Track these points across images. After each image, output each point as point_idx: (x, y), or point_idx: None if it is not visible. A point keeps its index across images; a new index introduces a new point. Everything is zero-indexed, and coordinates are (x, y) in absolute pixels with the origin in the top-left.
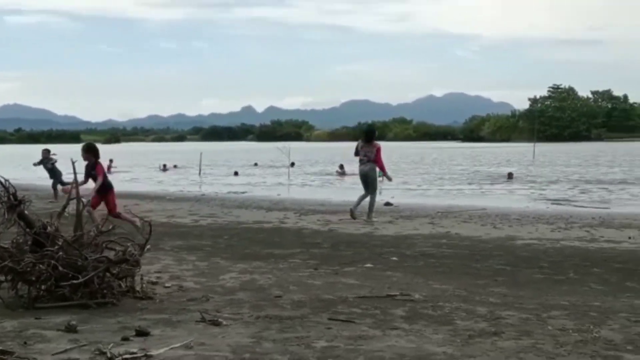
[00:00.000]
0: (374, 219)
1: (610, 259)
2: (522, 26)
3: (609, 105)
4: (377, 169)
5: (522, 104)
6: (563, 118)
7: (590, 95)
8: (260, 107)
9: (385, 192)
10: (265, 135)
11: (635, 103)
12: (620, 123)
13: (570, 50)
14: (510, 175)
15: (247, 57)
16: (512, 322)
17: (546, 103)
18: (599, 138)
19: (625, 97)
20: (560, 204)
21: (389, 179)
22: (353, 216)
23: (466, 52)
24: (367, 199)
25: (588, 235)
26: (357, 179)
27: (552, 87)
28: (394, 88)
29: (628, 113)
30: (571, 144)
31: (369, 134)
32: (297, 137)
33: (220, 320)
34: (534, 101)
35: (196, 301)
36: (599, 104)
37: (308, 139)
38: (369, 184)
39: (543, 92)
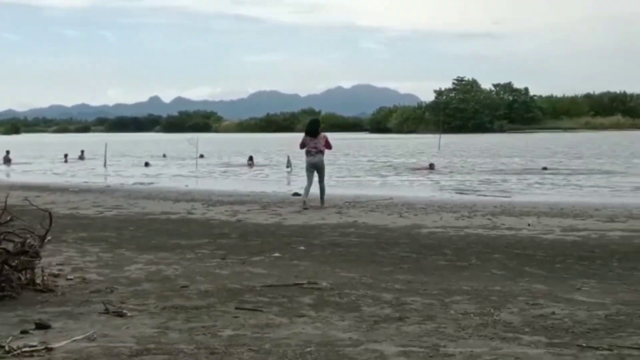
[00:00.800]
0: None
1: (511, 245)
2: (429, 19)
3: (511, 98)
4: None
5: (428, 96)
6: (467, 110)
7: (492, 88)
8: (167, 98)
9: (294, 183)
10: (172, 126)
11: (535, 96)
12: (521, 115)
13: (474, 43)
14: (431, 166)
15: (154, 47)
16: (417, 308)
17: (451, 95)
18: (501, 129)
19: (526, 89)
20: (465, 194)
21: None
22: (305, 206)
23: (374, 44)
24: (319, 188)
25: (490, 223)
26: (264, 170)
27: (457, 80)
28: (302, 79)
29: (528, 105)
30: (475, 135)
31: (314, 129)
32: (206, 128)
33: (124, 311)
34: (439, 93)
35: (100, 293)
36: (501, 96)
37: (217, 130)
38: (320, 173)
39: (448, 84)
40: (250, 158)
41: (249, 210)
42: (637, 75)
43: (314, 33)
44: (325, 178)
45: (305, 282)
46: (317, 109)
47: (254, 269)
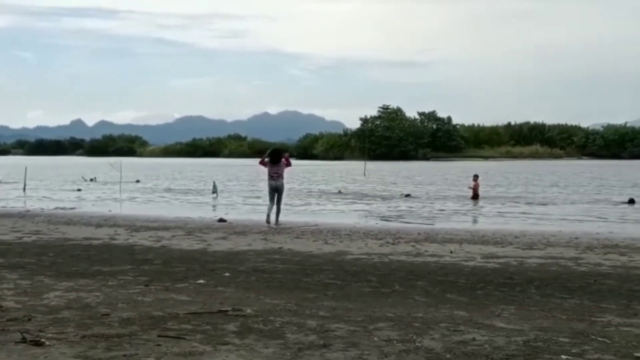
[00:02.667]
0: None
1: (434, 272)
2: (355, 47)
3: (434, 126)
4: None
5: (354, 123)
6: (392, 137)
7: (417, 116)
8: (91, 121)
9: (220, 209)
10: (96, 150)
11: (458, 124)
12: (444, 143)
13: (399, 72)
14: (406, 195)
15: (77, 69)
16: (341, 335)
17: (376, 122)
18: (425, 157)
19: (449, 118)
20: (389, 221)
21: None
22: (268, 220)
23: (300, 70)
24: (276, 208)
25: (414, 250)
26: (191, 197)
27: (382, 107)
28: (229, 104)
29: (451, 134)
30: (399, 162)
31: (275, 157)
32: (130, 152)
33: (42, 340)
34: (364, 120)
35: (17, 321)
36: (425, 124)
37: (142, 155)
38: (280, 196)
39: (373, 111)
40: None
41: (173, 236)
42: (555, 107)
43: (240, 58)
44: (282, 201)
45: (229, 309)
46: (243, 135)
47: (178, 295)
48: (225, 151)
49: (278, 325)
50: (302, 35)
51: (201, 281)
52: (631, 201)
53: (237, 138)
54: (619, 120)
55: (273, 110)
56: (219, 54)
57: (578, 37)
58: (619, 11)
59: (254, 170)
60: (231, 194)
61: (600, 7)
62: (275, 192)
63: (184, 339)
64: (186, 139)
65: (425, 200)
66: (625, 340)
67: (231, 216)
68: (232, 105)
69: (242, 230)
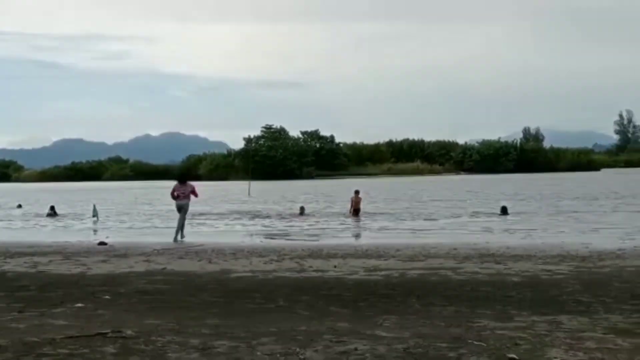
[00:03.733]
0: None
1: (317, 286)
2: (236, 68)
3: (317, 145)
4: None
5: (238, 144)
6: (276, 157)
7: (300, 135)
8: None
9: (101, 232)
10: None
11: (340, 143)
12: (328, 162)
13: (281, 92)
14: (302, 210)
15: None
16: (223, 351)
17: (260, 142)
18: (309, 176)
19: (332, 137)
20: (274, 238)
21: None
22: (176, 239)
23: (182, 92)
24: (180, 224)
25: (298, 266)
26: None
27: (265, 127)
28: (109, 127)
29: (335, 152)
30: (284, 181)
31: (182, 178)
32: (5, 177)
33: None
34: (248, 140)
35: None
36: (309, 143)
37: (17, 179)
38: (184, 214)
39: (257, 131)
40: (52, 208)
41: (50, 261)
42: (432, 124)
43: (120, 80)
44: (185, 219)
45: (109, 331)
46: (125, 157)
47: (55, 320)
48: (107, 174)
49: (160, 345)
50: (182, 57)
51: (79, 305)
52: (504, 211)
53: (119, 161)
54: (493, 135)
55: (155, 132)
56: (97, 76)
57: (453, 56)
58: (492, 31)
59: (134, 193)
60: (112, 217)
61: (474, 28)
62: (180, 209)
63: None
64: (65, 162)
65: (311, 216)
66: (499, 342)
67: (112, 239)
68: (113, 127)
69: (123, 252)
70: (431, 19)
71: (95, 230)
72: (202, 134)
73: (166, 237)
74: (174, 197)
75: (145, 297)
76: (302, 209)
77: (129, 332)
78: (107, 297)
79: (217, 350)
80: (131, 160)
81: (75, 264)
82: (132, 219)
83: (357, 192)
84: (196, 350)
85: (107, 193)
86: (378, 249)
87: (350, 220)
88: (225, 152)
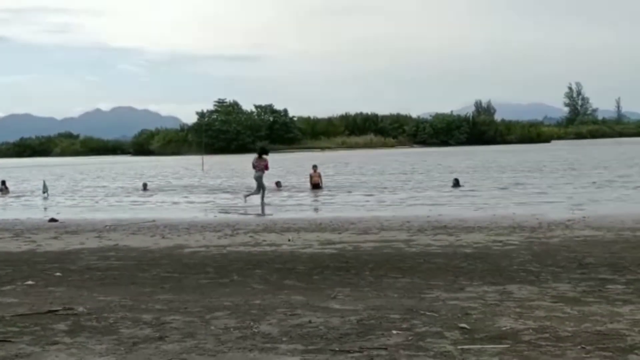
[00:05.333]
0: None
1: (272, 260)
2: (188, 41)
3: (271, 119)
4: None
5: (191, 118)
6: (229, 131)
7: (253, 109)
8: None
9: (51, 208)
10: None
11: (294, 117)
12: (282, 136)
13: (233, 66)
14: (144, 186)
15: None
16: (177, 326)
17: (213, 117)
18: None
19: (286, 111)
20: (228, 213)
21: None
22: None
23: (133, 66)
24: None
25: (252, 240)
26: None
27: (218, 102)
28: (58, 102)
29: (288, 126)
30: (238, 155)
31: (261, 151)
32: None
33: None
34: (201, 115)
35: None
36: (262, 117)
37: None
38: (258, 182)
39: (209, 106)
40: (3, 183)
41: (0, 239)
42: (386, 98)
43: (68, 54)
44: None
45: (60, 308)
46: (75, 133)
47: (4, 298)
48: (57, 150)
49: (112, 322)
50: (133, 30)
51: (30, 282)
52: (456, 183)
53: (69, 136)
54: (446, 109)
55: (106, 106)
56: (45, 50)
57: (406, 29)
58: (444, 7)
59: (86, 168)
60: (63, 193)
61: (425, 3)
62: (257, 180)
63: (9, 341)
64: (13, 138)
65: (267, 191)
66: (451, 313)
67: (63, 216)
68: (62, 102)
69: (74, 229)
70: None
71: (45, 207)
72: (153, 108)
73: (121, 212)
74: (254, 167)
75: (97, 273)
76: (278, 183)
77: (80, 309)
78: (58, 274)
79: (170, 325)
80: (81, 136)
81: (25, 241)
82: (84, 195)
83: (315, 167)
84: (149, 325)
85: (57, 169)
86: (332, 223)
87: (307, 194)
88: (177, 127)
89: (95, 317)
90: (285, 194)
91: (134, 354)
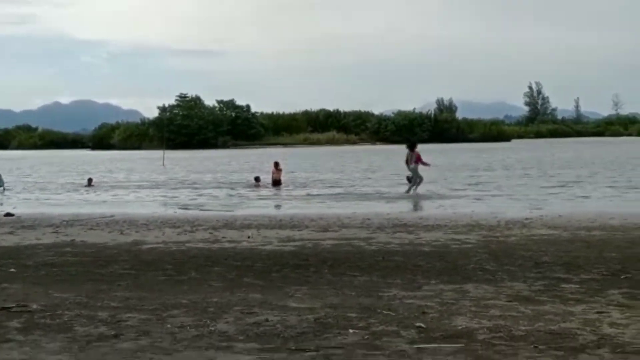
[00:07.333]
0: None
1: (231, 257)
2: (150, 34)
3: (233, 114)
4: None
5: (152, 112)
6: (191, 126)
7: (216, 104)
8: None
9: (7, 202)
10: None
11: (256, 112)
12: (244, 131)
13: (195, 60)
14: (89, 181)
15: None
16: (133, 324)
17: (175, 111)
18: (225, 145)
19: (248, 106)
20: (188, 209)
21: (428, 164)
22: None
23: (94, 58)
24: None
25: (212, 236)
26: None
27: (180, 96)
28: (16, 94)
29: (250, 122)
30: (200, 150)
31: (410, 145)
32: None
33: None
34: (163, 109)
35: None
36: (224, 112)
37: None
38: (413, 174)
39: (171, 100)
40: None
41: None
42: (348, 95)
43: (27, 45)
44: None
45: (13, 305)
46: (33, 126)
47: None
48: (14, 143)
49: (66, 319)
50: (95, 22)
51: None
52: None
53: (27, 129)
54: (408, 106)
55: (65, 99)
56: (3, 41)
57: (371, 26)
58: (405, 5)
59: (43, 162)
60: (20, 187)
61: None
62: (412, 173)
63: None
64: None
65: (229, 186)
66: (408, 311)
67: (19, 210)
68: (20, 94)
69: (31, 224)
70: None
71: (0, 202)
72: (114, 102)
73: (79, 208)
74: (407, 162)
75: (52, 269)
76: (257, 178)
77: (34, 306)
78: (12, 270)
79: (126, 323)
80: (40, 129)
81: None
82: (41, 189)
83: (276, 164)
84: (104, 323)
85: (14, 162)
86: (292, 220)
87: (268, 191)
88: (138, 121)
89: (50, 315)
90: (245, 190)
91: (87, 352)
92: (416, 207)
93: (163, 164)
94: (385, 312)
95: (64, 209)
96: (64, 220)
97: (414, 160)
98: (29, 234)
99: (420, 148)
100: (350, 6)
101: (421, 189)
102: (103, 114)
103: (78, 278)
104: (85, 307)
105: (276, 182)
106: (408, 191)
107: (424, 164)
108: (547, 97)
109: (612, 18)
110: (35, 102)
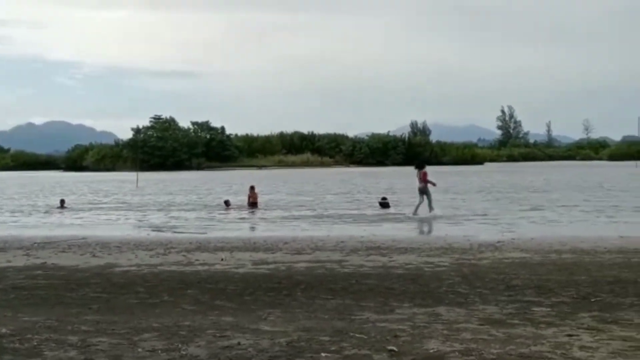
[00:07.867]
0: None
1: (204, 280)
2: (126, 56)
3: (208, 136)
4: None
5: (126, 134)
6: (165, 147)
7: (190, 126)
8: None
9: None
10: None
11: (231, 134)
12: (218, 153)
13: (170, 82)
14: (62, 203)
15: None
16: (103, 348)
17: (149, 133)
18: (199, 167)
19: (223, 128)
20: (161, 231)
21: (434, 184)
22: (415, 213)
23: (68, 79)
24: (425, 202)
25: (185, 259)
26: None
27: (154, 118)
28: None
29: (225, 144)
30: (174, 172)
31: (416, 164)
32: None
33: None
34: (137, 131)
35: None
36: (199, 134)
37: None
38: (425, 193)
39: (145, 122)
40: None
41: None
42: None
43: (1, 66)
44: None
45: None
46: (5, 147)
47: None
48: None
49: (35, 343)
50: (70, 43)
51: None
52: (384, 205)
53: None
54: (382, 129)
55: (38, 120)
56: None
57: (343, 50)
58: (380, 28)
59: (18, 182)
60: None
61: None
62: (420, 192)
63: None
64: None
65: (203, 208)
66: (380, 335)
67: None
68: None
69: (1, 246)
70: (329, 11)
71: None
72: (88, 123)
73: (47, 231)
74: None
75: (22, 293)
76: (227, 202)
77: (3, 330)
78: None
79: (96, 347)
80: (12, 150)
81: None
82: (12, 211)
83: (252, 188)
84: (74, 348)
85: None
86: (266, 242)
87: (243, 214)
88: (113, 142)
89: (19, 339)
90: (218, 213)
91: None
92: (395, 228)
93: (137, 186)
94: (357, 335)
95: (36, 231)
96: (35, 243)
97: (420, 179)
98: (0, 257)
99: (410, 170)
100: (326, 29)
101: (393, 210)
102: (77, 135)
103: (48, 301)
104: (55, 331)
105: (253, 205)
106: (430, 211)
107: (430, 182)
108: (520, 121)
109: (584, 43)
110: (8, 123)
